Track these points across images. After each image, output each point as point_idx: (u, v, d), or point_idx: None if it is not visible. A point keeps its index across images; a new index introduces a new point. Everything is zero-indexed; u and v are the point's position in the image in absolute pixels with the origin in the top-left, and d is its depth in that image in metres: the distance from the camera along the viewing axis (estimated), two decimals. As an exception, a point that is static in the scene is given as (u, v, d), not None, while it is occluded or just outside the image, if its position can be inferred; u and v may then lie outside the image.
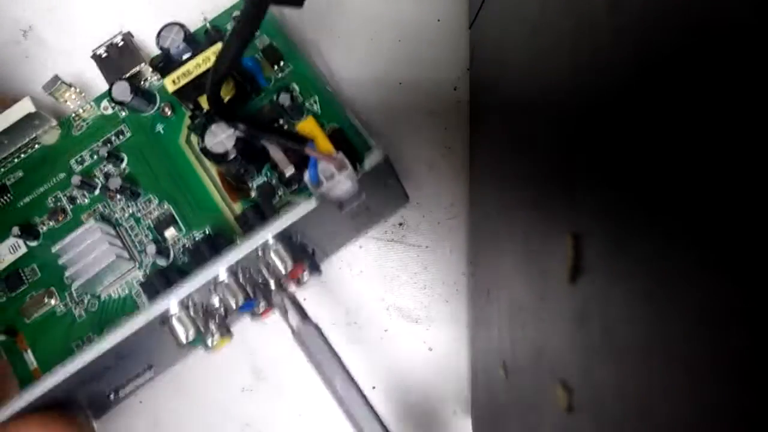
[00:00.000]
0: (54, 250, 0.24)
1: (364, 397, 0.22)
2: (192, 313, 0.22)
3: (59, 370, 0.21)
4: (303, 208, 0.22)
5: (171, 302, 0.22)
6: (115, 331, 0.22)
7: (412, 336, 0.30)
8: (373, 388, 0.30)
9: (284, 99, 0.24)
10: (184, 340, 0.22)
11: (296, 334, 0.23)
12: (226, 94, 0.24)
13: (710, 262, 0.09)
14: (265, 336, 0.29)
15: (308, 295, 0.29)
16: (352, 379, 0.23)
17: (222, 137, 0.23)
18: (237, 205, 0.26)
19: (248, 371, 0.30)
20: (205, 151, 0.23)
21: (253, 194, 0.25)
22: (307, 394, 0.30)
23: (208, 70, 0.23)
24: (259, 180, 0.26)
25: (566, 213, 0.15)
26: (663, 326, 0.10)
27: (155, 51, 0.29)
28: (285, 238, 0.23)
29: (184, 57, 0.24)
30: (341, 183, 0.21)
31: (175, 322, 0.22)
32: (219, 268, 0.22)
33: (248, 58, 0.25)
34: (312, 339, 0.22)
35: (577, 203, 0.14)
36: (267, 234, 0.22)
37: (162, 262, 0.25)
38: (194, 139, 0.26)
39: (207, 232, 0.25)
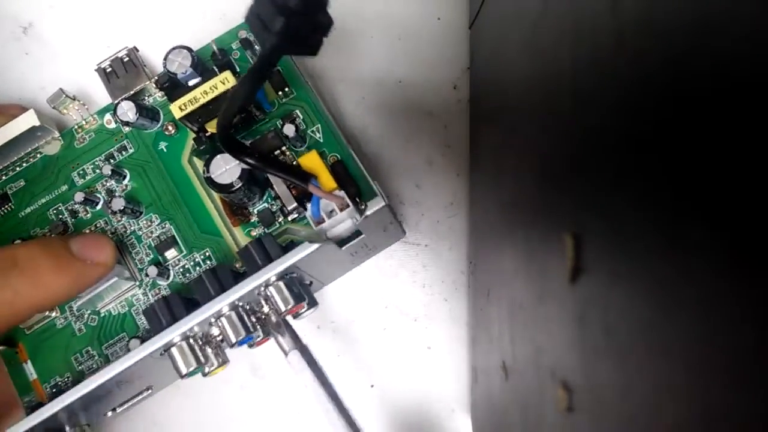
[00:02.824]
0: None
1: (352, 420, 0.23)
2: (192, 342, 0.23)
3: (64, 396, 0.22)
4: (305, 249, 0.23)
5: (173, 335, 0.22)
6: (119, 362, 0.22)
7: (410, 334, 0.30)
8: (372, 386, 0.30)
9: (288, 130, 0.24)
10: (184, 371, 0.23)
11: (289, 358, 0.24)
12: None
13: (710, 262, 0.09)
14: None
15: (307, 293, 0.29)
16: (341, 404, 0.23)
17: (227, 168, 0.24)
18: (237, 229, 0.26)
19: (247, 369, 0.30)
20: (210, 181, 0.24)
21: (253, 219, 0.26)
22: (306, 392, 0.30)
23: (215, 98, 0.24)
24: (260, 206, 0.26)
25: (566, 213, 0.15)
26: (663, 326, 0.10)
27: (158, 64, 0.28)
28: (285, 273, 0.23)
29: (191, 82, 0.24)
30: (342, 221, 0.23)
31: (176, 353, 0.23)
32: (222, 305, 0.23)
33: None
34: (304, 364, 0.23)
35: (577, 203, 0.14)
36: (269, 273, 0.23)
37: (162, 282, 0.26)
38: (196, 159, 0.26)
39: (207, 255, 0.26)
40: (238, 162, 0.23)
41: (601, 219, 0.13)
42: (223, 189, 0.24)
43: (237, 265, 0.25)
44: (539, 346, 0.17)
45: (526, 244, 0.18)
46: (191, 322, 0.22)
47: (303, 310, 0.25)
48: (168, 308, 0.23)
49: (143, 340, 0.23)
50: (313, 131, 0.26)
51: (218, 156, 0.24)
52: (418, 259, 0.30)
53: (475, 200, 0.28)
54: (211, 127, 0.24)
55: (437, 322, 0.30)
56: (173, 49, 0.24)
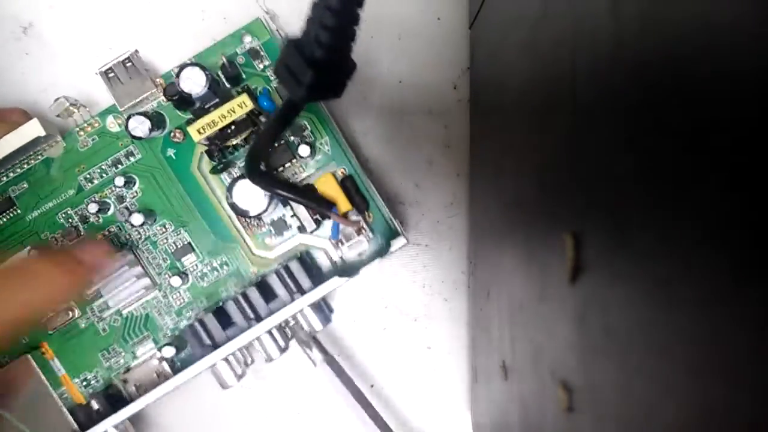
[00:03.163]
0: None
1: (385, 423, 0.26)
2: (231, 359, 0.25)
3: (129, 408, 0.25)
4: (334, 283, 0.25)
5: (218, 359, 0.25)
6: (176, 378, 0.25)
7: (410, 334, 0.30)
8: (372, 386, 0.30)
9: (303, 151, 0.26)
10: (229, 384, 0.25)
11: (318, 367, 0.26)
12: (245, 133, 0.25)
13: (710, 262, 0.09)
14: (264, 334, 0.29)
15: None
16: (372, 408, 0.26)
17: (251, 195, 0.25)
18: (251, 236, 0.27)
19: (248, 370, 0.30)
20: (234, 207, 0.25)
21: (265, 228, 0.27)
22: (306, 392, 0.30)
23: (232, 123, 0.24)
24: (274, 215, 0.26)
25: (566, 213, 0.15)
26: (663, 326, 0.10)
27: (160, 66, 0.28)
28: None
29: (207, 104, 0.24)
30: (360, 243, 0.26)
31: (220, 369, 0.25)
32: (261, 331, 0.25)
33: (264, 97, 0.26)
34: (333, 373, 0.26)
35: (577, 203, 0.14)
36: (303, 304, 0.25)
37: (183, 286, 0.27)
38: (206, 165, 0.26)
39: (224, 260, 0.27)
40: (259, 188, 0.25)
41: (601, 219, 0.13)
42: (247, 214, 0.25)
43: (253, 271, 0.27)
44: (539, 346, 0.17)
45: (526, 243, 0.18)
46: (233, 346, 0.25)
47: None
48: (206, 331, 0.25)
49: (176, 347, 0.26)
50: (321, 143, 0.26)
51: (239, 182, 0.25)
52: (418, 259, 0.30)
53: (475, 200, 0.28)
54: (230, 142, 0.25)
55: (437, 322, 0.30)
56: (185, 66, 0.24)
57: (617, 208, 0.12)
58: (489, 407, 0.25)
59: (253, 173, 0.23)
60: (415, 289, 0.30)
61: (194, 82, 0.24)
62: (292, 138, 0.26)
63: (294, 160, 0.26)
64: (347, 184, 0.26)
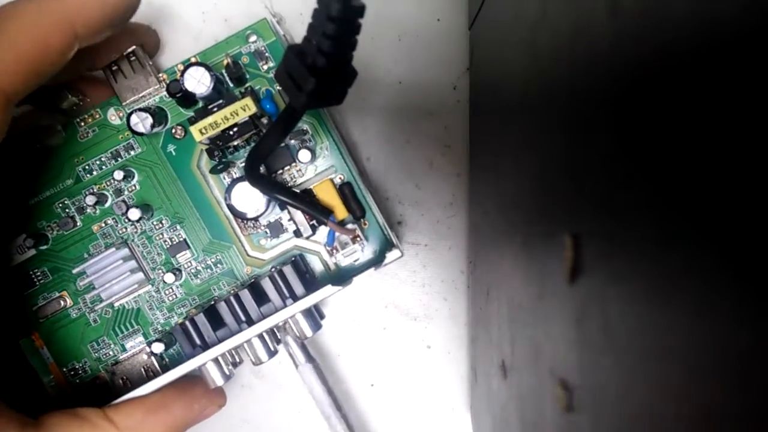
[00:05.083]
0: (75, 271, 0.26)
1: (351, 428, 0.27)
2: (220, 359, 0.25)
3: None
4: (327, 291, 0.25)
5: (207, 359, 0.24)
6: (171, 372, 0.24)
7: (410, 334, 0.30)
8: (372, 386, 0.30)
9: (304, 156, 0.26)
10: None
11: (300, 369, 0.26)
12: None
13: (710, 262, 0.09)
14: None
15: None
16: (343, 413, 0.26)
17: (250, 198, 0.25)
18: (247, 237, 0.27)
19: (248, 369, 0.30)
20: (232, 209, 0.25)
21: (260, 230, 0.27)
22: (305, 392, 0.30)
23: (234, 125, 0.24)
24: (270, 218, 0.27)
25: (565, 213, 0.15)
26: (662, 326, 0.10)
27: (164, 62, 0.28)
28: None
29: (210, 104, 0.24)
30: (354, 252, 0.26)
31: (208, 369, 0.25)
32: (251, 335, 0.24)
33: (267, 100, 0.26)
34: (312, 376, 0.26)
35: (576, 203, 0.14)
36: (295, 310, 0.24)
37: (176, 282, 0.27)
38: (205, 164, 0.26)
39: (219, 258, 0.27)
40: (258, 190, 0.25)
41: (600, 219, 0.13)
42: (244, 216, 0.25)
43: (247, 271, 0.27)
44: (538, 345, 0.17)
45: (526, 243, 0.18)
46: (223, 348, 0.24)
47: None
48: (197, 331, 0.25)
49: (166, 344, 0.26)
50: (321, 148, 0.26)
51: (238, 184, 0.25)
52: (417, 258, 0.30)
53: (474, 200, 0.28)
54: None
55: (437, 322, 0.30)
56: (191, 65, 0.24)
57: (616, 209, 0.12)
58: (489, 407, 0.25)
59: (252, 176, 0.23)
60: (414, 288, 0.30)
61: (199, 82, 0.24)
62: (292, 142, 0.26)
63: (293, 164, 0.26)
64: (345, 191, 0.26)
